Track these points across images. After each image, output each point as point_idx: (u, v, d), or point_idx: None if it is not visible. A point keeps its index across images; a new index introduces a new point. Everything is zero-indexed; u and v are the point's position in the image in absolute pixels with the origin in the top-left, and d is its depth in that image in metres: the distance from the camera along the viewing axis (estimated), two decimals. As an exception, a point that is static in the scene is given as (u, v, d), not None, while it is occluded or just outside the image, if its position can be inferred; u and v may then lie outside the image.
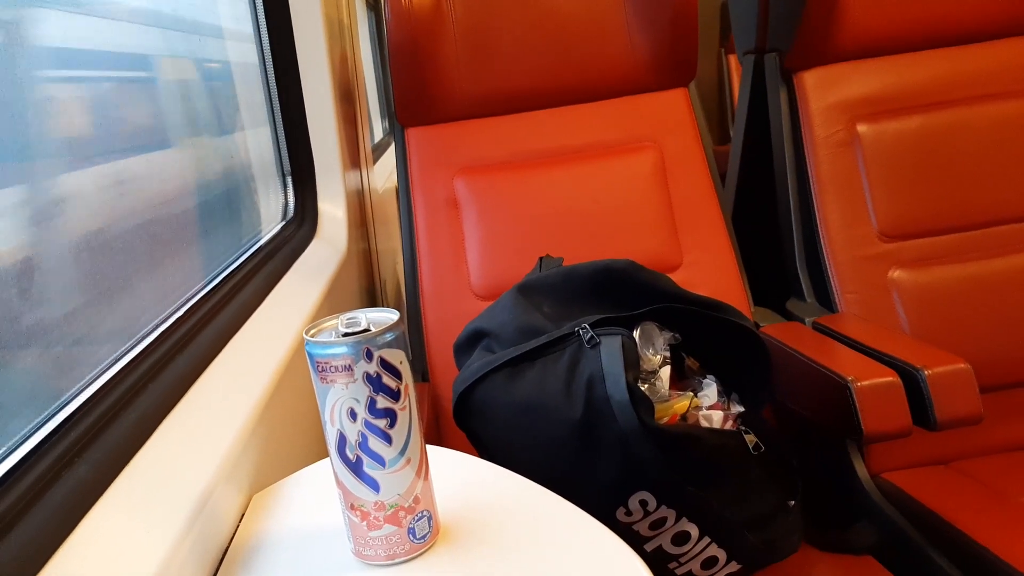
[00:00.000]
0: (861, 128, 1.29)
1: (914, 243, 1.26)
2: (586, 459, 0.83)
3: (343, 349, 0.47)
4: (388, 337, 0.49)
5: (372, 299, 1.46)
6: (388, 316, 0.51)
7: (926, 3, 1.30)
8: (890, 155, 1.28)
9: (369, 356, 0.48)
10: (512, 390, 0.86)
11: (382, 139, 2.84)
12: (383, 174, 1.99)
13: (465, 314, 1.22)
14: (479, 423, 0.90)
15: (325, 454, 0.93)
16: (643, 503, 0.84)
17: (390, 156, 2.51)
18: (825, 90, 1.32)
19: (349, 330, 0.49)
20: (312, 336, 0.49)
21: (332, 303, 1.04)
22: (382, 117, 3.02)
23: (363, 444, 0.49)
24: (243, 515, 0.60)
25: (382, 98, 2.96)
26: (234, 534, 0.58)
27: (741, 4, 1.50)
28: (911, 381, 0.96)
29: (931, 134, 1.28)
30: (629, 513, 0.84)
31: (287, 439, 0.76)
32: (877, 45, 1.31)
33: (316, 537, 0.56)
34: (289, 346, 0.80)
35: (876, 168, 1.28)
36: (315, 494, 0.62)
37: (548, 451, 0.84)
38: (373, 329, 0.49)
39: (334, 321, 0.51)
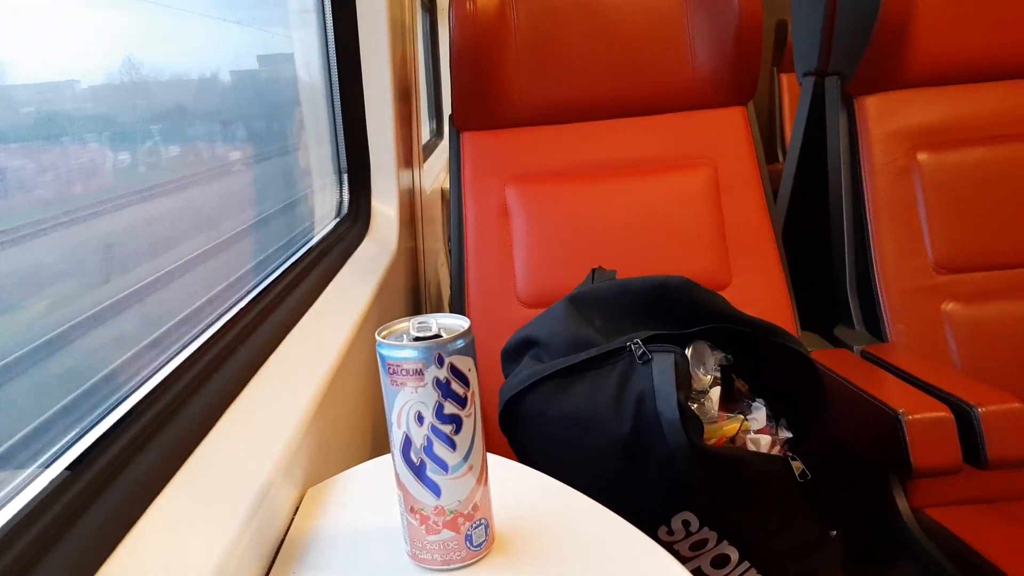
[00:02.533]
0: (921, 157, 1.27)
1: (970, 276, 1.24)
2: (631, 475, 0.83)
3: (415, 353, 0.48)
4: (459, 344, 0.49)
5: (416, 299, 1.47)
6: (459, 323, 0.51)
7: (995, 35, 1.28)
8: (950, 186, 1.26)
9: (440, 362, 0.48)
10: (560, 401, 0.86)
11: (429, 140, 2.86)
12: (429, 175, 2.00)
13: (510, 321, 1.23)
14: (524, 431, 0.90)
15: (375, 451, 0.94)
16: (685, 523, 0.83)
17: (435, 158, 2.52)
18: (887, 116, 1.30)
19: (420, 334, 0.49)
20: (384, 338, 0.50)
21: (382, 302, 1.05)
22: (430, 118, 3.04)
23: (428, 448, 0.49)
24: (297, 509, 0.61)
25: (430, 98, 2.97)
26: (289, 527, 0.58)
27: (804, 26, 1.48)
28: (963, 417, 0.95)
29: (993, 167, 1.26)
30: (671, 532, 0.83)
31: (339, 435, 0.77)
32: (942, 74, 1.29)
33: (371, 536, 0.56)
34: (342, 344, 0.81)
35: (935, 198, 1.26)
36: (368, 492, 0.63)
37: (593, 464, 0.84)
38: (444, 335, 0.49)
39: (405, 324, 0.52)
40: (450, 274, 1.30)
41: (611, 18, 1.29)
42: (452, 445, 0.50)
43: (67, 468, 0.46)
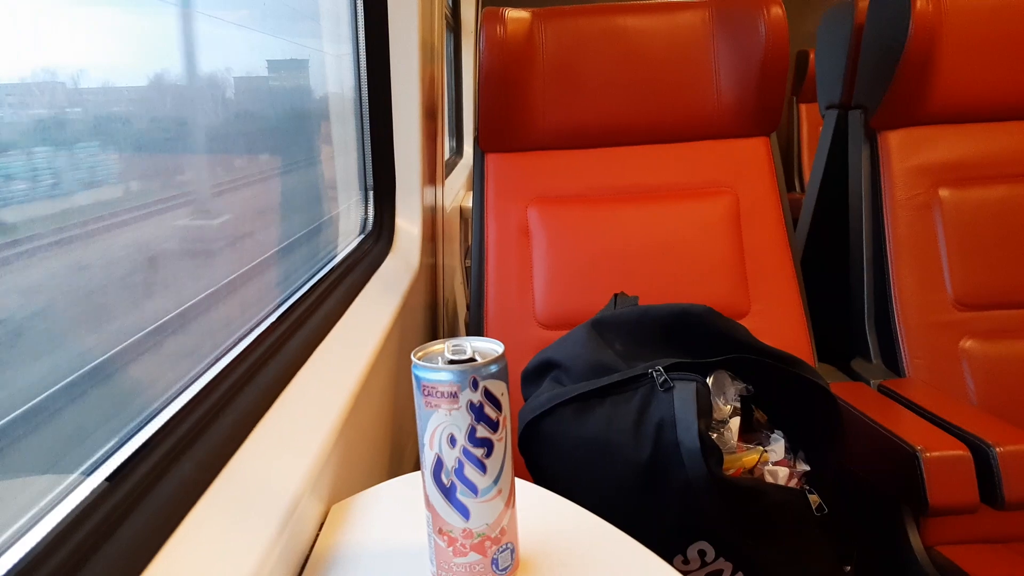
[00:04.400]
0: (943, 193, 1.28)
1: (989, 314, 1.24)
2: (649, 502, 0.83)
3: (451, 376, 0.48)
4: (493, 368, 0.50)
5: (434, 315, 1.48)
6: (493, 347, 0.52)
7: (1018, 74, 1.29)
8: (971, 222, 1.26)
9: (475, 385, 0.49)
10: (580, 425, 0.87)
11: (449, 158, 2.88)
12: (449, 193, 2.02)
13: (527, 341, 1.24)
14: (543, 453, 0.91)
15: (393, 469, 0.95)
16: (701, 553, 0.83)
17: (455, 176, 2.54)
18: (909, 151, 1.31)
19: (455, 357, 0.50)
20: (420, 359, 0.50)
21: (403, 319, 1.06)
22: (450, 136, 3.07)
23: (459, 471, 0.50)
24: (322, 525, 0.61)
25: (450, 116, 3.00)
26: (314, 543, 0.59)
27: (829, 59, 1.50)
28: (980, 456, 0.95)
29: (1015, 205, 1.27)
30: (687, 561, 0.83)
31: (362, 452, 0.78)
32: (966, 111, 1.30)
33: (396, 555, 0.57)
34: (367, 361, 0.82)
35: (955, 234, 1.26)
36: (393, 510, 0.63)
37: (611, 490, 0.84)
38: (479, 359, 0.50)
39: (440, 346, 0.52)
40: (467, 292, 1.31)
41: (638, 46, 1.31)
42: (483, 468, 0.50)
43: (106, 479, 0.47)
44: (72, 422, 0.48)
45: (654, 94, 1.31)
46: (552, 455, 0.90)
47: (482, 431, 0.50)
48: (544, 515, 0.61)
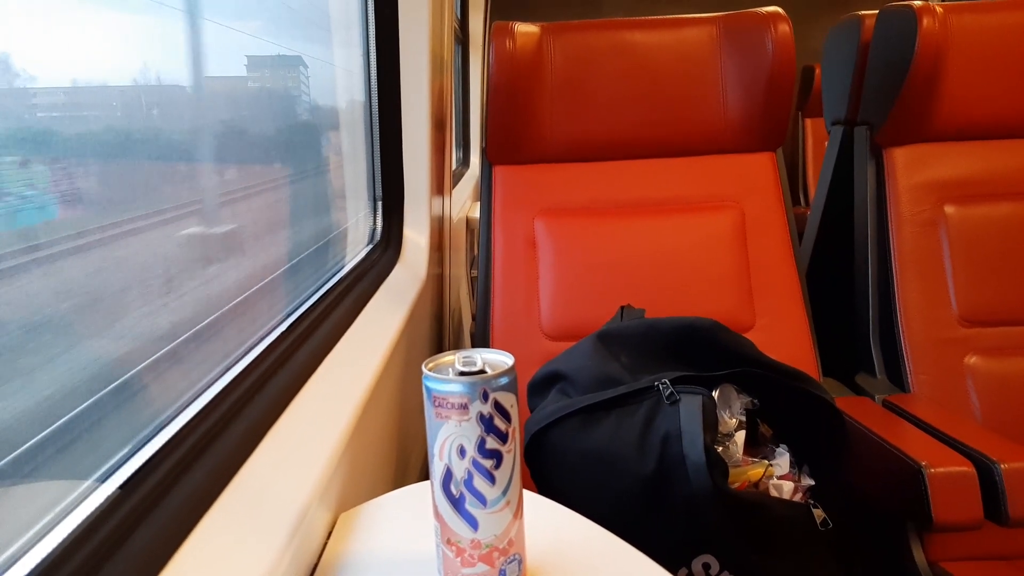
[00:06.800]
0: (948, 209, 1.28)
1: (994, 331, 1.24)
2: (653, 515, 0.83)
3: (461, 387, 0.49)
4: (503, 380, 0.50)
5: (440, 326, 1.48)
6: (503, 359, 0.52)
7: None
8: (976, 239, 1.27)
9: (485, 397, 0.49)
10: (585, 437, 0.87)
11: (456, 169, 2.90)
12: (455, 204, 2.03)
13: (534, 352, 1.24)
14: (548, 464, 0.91)
15: (398, 478, 0.95)
16: (706, 566, 0.83)
17: (461, 187, 2.56)
18: (915, 168, 1.31)
19: (466, 369, 0.51)
20: (431, 371, 0.51)
21: (410, 330, 1.07)
22: (456, 147, 3.08)
23: (468, 482, 0.50)
24: (330, 533, 0.62)
25: (457, 127, 3.02)
26: (322, 552, 0.59)
27: (835, 76, 1.50)
28: (985, 473, 0.95)
29: (1020, 222, 1.27)
30: (691, 575, 0.84)
31: (369, 461, 0.78)
32: (972, 129, 1.31)
33: (403, 564, 0.57)
34: (375, 371, 0.82)
35: (961, 251, 1.26)
36: (400, 520, 0.63)
37: (616, 502, 0.85)
38: (489, 371, 0.50)
39: (451, 357, 0.53)
40: (472, 303, 1.31)
41: (646, 61, 1.32)
42: (492, 480, 0.50)
43: (119, 487, 0.47)
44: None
45: (661, 108, 1.32)
46: (558, 466, 0.90)
47: (492, 442, 0.50)
48: (551, 527, 0.61)
